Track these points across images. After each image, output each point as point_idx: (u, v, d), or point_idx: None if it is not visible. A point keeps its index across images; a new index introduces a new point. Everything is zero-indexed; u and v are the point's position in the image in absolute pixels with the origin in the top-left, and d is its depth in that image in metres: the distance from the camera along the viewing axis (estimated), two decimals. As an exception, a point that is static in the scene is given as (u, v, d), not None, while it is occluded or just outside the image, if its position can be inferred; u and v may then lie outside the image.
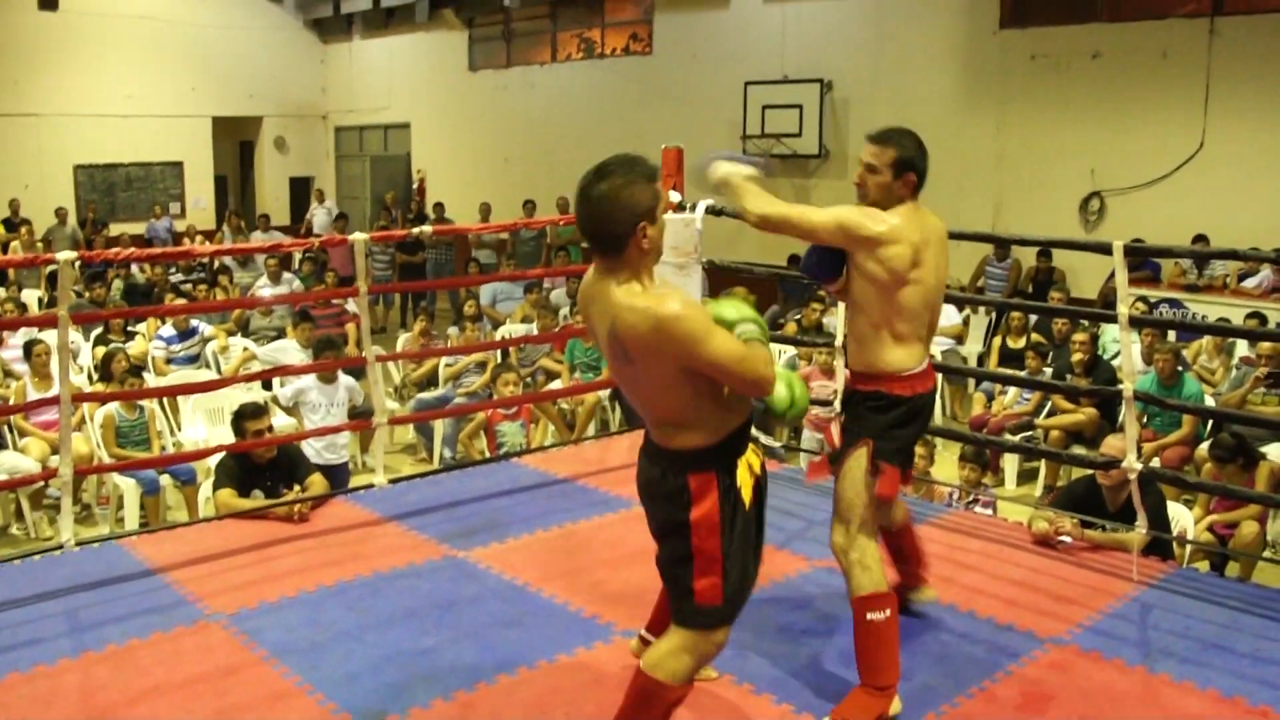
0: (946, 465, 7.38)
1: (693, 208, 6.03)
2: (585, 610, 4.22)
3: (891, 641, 3.46)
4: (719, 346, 2.77)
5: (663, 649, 2.98)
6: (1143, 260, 10.72)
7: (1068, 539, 4.98)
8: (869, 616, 3.43)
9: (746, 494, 2.95)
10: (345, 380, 7.91)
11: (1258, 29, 10.58)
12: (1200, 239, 10.05)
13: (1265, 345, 7.91)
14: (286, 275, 12.84)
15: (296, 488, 5.53)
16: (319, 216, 18.33)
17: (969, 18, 12.45)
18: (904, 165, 3.53)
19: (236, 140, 21.36)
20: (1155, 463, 7.25)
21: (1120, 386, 4.88)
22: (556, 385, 9.23)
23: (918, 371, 3.63)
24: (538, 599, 4.34)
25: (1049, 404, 8.52)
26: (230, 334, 10.16)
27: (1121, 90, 11.36)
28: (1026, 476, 8.55)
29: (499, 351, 9.70)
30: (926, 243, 3.55)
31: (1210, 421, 7.63)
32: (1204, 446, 7.18)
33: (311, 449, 7.18)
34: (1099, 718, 3.54)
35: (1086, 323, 8.76)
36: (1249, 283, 10.07)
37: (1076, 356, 8.26)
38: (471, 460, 7.35)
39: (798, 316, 10.00)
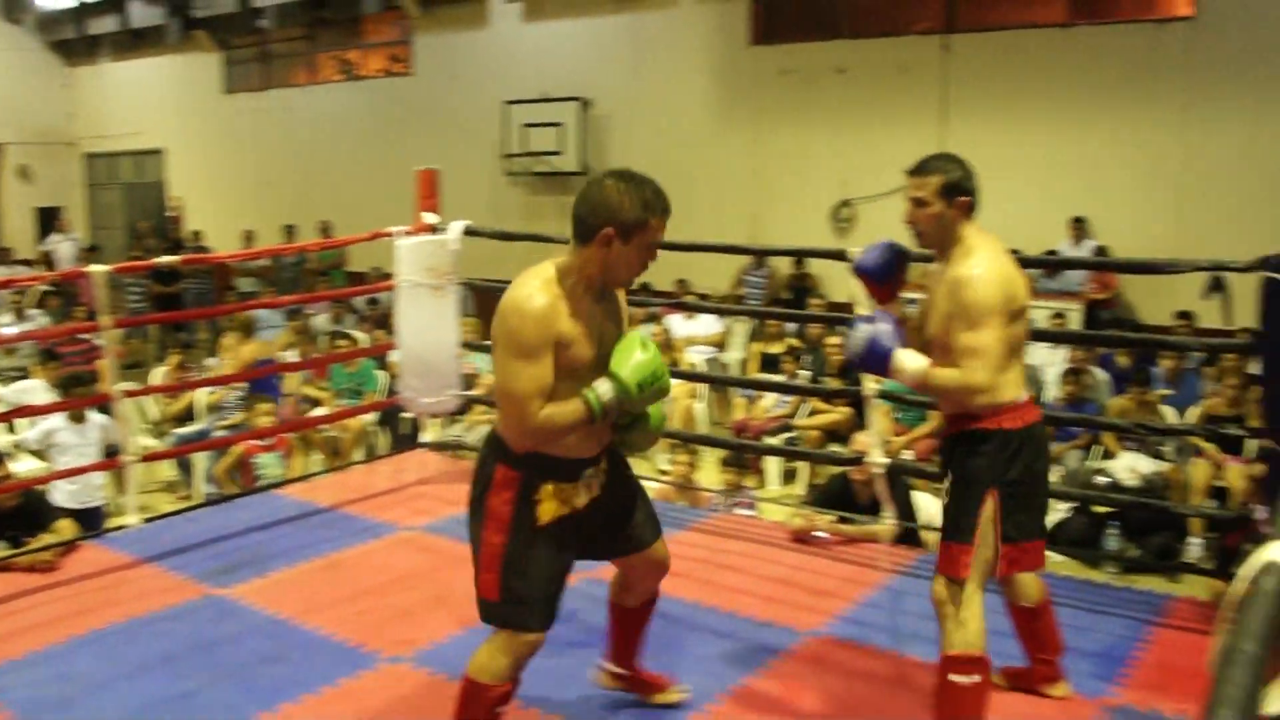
0: (709, 471, 7.58)
1: (448, 228, 6.04)
2: (350, 640, 4.17)
3: (975, 711, 3.25)
4: (502, 366, 2.87)
5: (482, 650, 3.06)
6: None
7: (824, 534, 5.20)
8: (951, 678, 3.25)
9: (544, 515, 2.97)
10: (99, 419, 7.58)
11: (987, 45, 11.26)
12: (941, 242, 10.61)
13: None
14: (31, 311, 12.22)
15: (43, 536, 5.27)
16: (64, 248, 17.40)
17: (721, 35, 12.83)
18: (952, 189, 3.27)
19: (-24, 169, 20.16)
20: (908, 456, 7.61)
21: (863, 386, 5.13)
22: (321, 412, 9.07)
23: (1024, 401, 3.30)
24: (301, 632, 4.26)
25: (806, 405, 8.84)
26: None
27: (866, 103, 11.90)
28: (789, 476, 8.84)
29: (263, 381, 9.51)
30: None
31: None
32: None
33: (64, 493, 6.85)
34: (855, 703, 3.71)
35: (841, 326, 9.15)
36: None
37: (833, 358, 8.61)
38: (232, 494, 7.15)
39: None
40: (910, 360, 3.22)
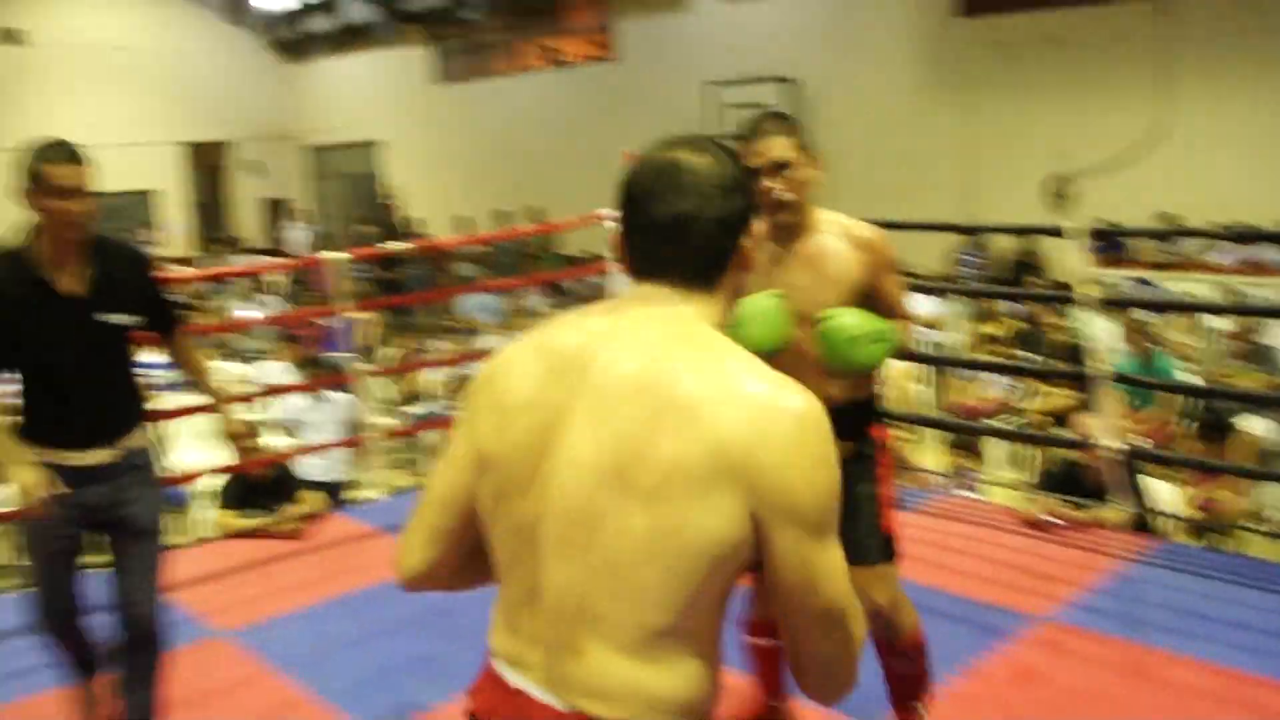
0: (930, 452, 7.49)
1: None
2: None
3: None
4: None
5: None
6: (1111, 240, 10.83)
7: (1052, 519, 5.10)
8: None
9: None
10: (339, 397, 7.93)
11: (1205, 7, 10.75)
12: (1164, 217, 10.20)
13: (1236, 319, 8.02)
14: (264, 297, 12.87)
15: (288, 505, 5.59)
16: (294, 235, 18.33)
17: (928, 7, 12.60)
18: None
19: (207, 164, 21.34)
20: (1137, 440, 7.35)
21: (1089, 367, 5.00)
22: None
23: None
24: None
25: (1022, 389, 8.62)
26: (212, 359, 10.16)
27: (1080, 74, 11.51)
28: (1012, 461, 8.64)
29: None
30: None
31: (1191, 397, 7.73)
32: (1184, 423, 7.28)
33: (309, 467, 7.22)
34: (1088, 690, 3.63)
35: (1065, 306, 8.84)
36: (1220, 258, 10.16)
37: (1056, 339, 8.37)
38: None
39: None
40: None
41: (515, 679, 1.59)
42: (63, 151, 3.04)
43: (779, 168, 2.78)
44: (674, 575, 1.46)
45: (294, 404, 7.93)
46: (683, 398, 1.47)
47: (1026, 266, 11.34)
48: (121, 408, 3.26)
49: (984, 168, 12.23)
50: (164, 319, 3.42)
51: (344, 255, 5.80)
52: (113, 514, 3.23)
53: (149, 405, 3.43)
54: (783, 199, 2.80)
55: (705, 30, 14.65)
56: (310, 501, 5.62)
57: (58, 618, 3.29)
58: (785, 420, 1.47)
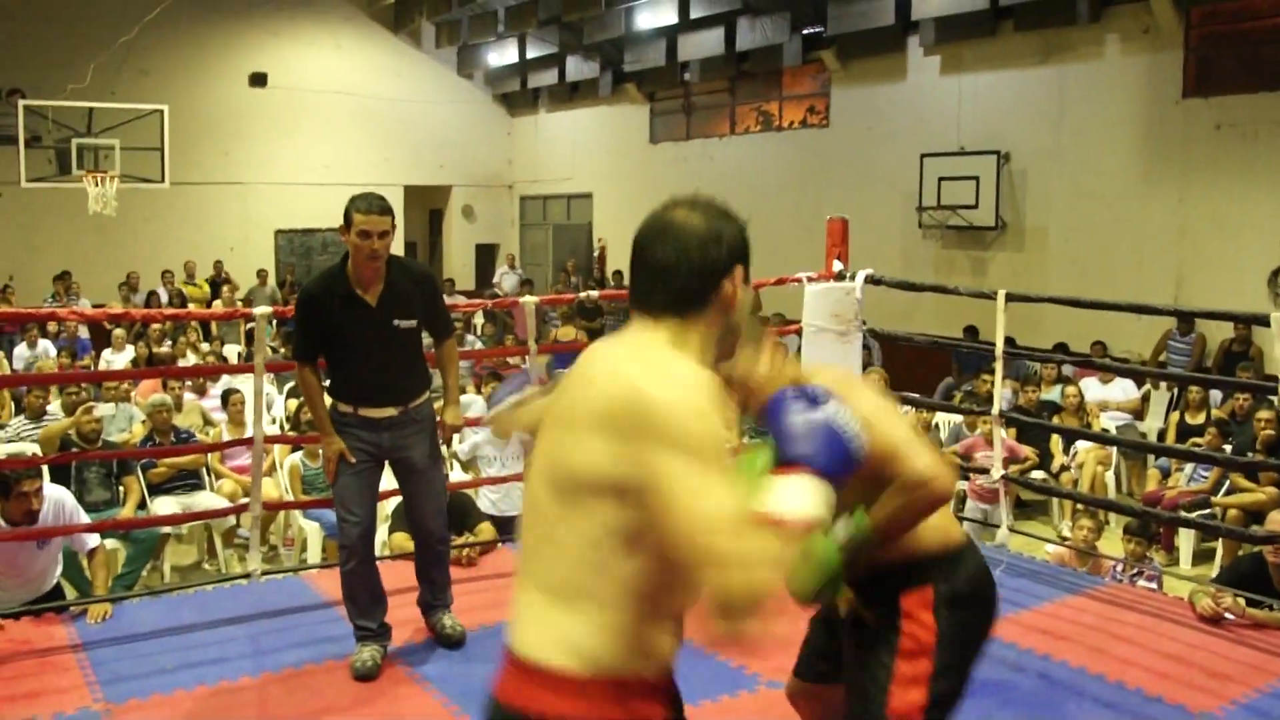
0: (1115, 540, 7.24)
1: (853, 276, 6.15)
2: (733, 660, 4.31)
3: None
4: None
5: None
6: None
7: (1231, 616, 4.88)
8: None
9: None
10: (521, 435, 8.17)
11: None
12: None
13: None
14: (468, 337, 13.34)
15: (467, 534, 5.81)
16: (508, 280, 18.99)
17: (1150, 87, 12.25)
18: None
19: (426, 208, 22.32)
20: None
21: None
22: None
23: None
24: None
25: (1227, 483, 8.25)
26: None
27: (1314, 159, 11.00)
28: (1203, 557, 8.28)
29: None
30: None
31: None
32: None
33: (487, 500, 7.46)
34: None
35: (1276, 400, 8.44)
36: None
37: (1262, 433, 7.99)
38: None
39: (969, 388, 9.91)
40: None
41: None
42: (369, 203, 4.13)
43: None
44: (580, 535, 1.79)
45: (476, 439, 8.21)
46: (591, 379, 1.85)
47: (1239, 356, 10.82)
48: (404, 380, 4.36)
49: (1200, 253, 11.78)
50: (436, 326, 4.54)
51: (534, 299, 6.02)
52: (395, 454, 4.38)
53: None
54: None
55: (921, 101, 14.56)
56: (485, 532, 5.82)
57: (356, 524, 4.30)
58: (640, 397, 1.74)
